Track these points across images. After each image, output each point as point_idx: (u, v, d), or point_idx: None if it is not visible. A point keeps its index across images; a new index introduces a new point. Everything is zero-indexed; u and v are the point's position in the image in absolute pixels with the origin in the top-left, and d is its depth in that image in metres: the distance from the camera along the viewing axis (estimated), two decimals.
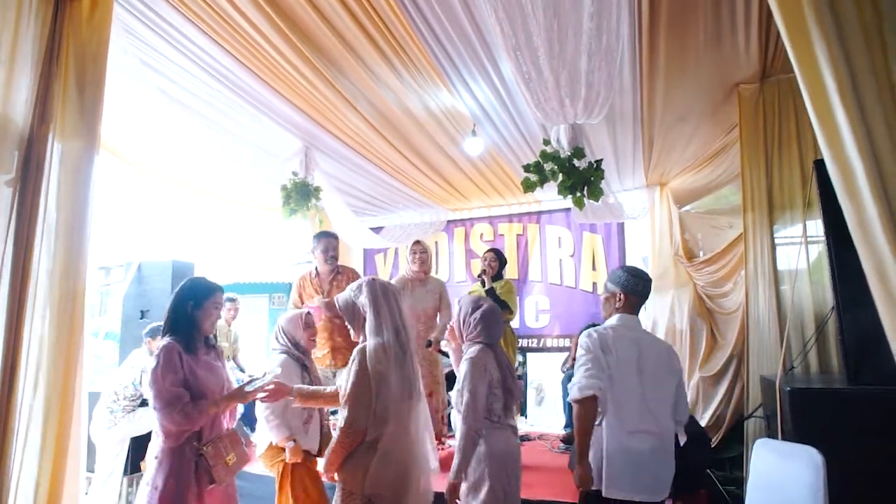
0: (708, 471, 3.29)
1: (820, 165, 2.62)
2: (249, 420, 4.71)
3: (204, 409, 2.06)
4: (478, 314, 2.36)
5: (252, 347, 5.62)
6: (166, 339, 2.14)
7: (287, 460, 2.58)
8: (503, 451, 2.21)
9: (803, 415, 2.40)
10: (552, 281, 5.75)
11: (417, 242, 3.86)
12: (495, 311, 2.44)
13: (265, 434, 2.66)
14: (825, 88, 1.14)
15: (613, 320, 2.25)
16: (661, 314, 4.74)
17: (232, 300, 5.13)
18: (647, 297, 2.35)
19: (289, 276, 6.02)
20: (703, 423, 3.81)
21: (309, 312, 2.89)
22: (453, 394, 2.34)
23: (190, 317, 2.18)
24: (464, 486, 2.23)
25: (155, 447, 2.09)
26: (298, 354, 2.77)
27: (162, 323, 2.26)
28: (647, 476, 2.11)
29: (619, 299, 2.26)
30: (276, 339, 2.79)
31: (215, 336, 2.38)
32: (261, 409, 2.61)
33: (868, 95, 1.11)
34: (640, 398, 2.14)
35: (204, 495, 2.10)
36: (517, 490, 2.27)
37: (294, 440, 2.59)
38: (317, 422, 2.77)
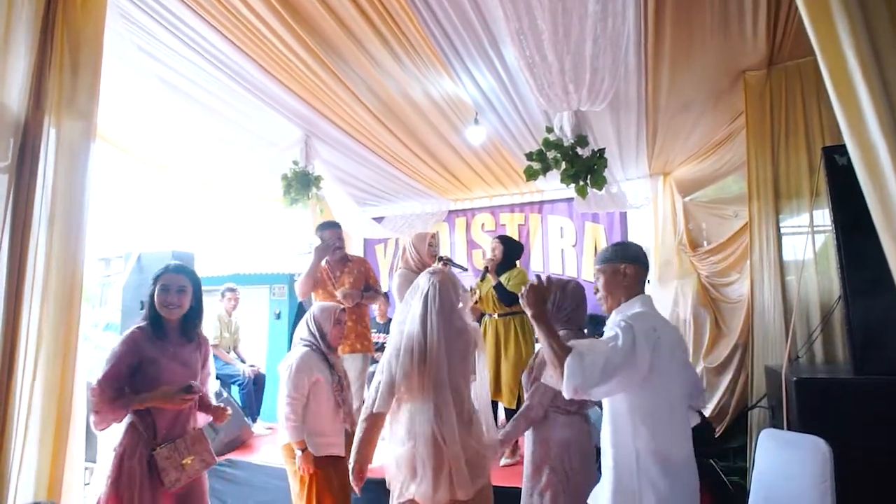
0: (711, 461, 3.27)
1: (828, 153, 2.57)
2: (251, 409, 4.71)
3: (125, 404, 2.02)
4: (566, 297, 2.34)
5: (253, 338, 5.61)
6: (132, 325, 2.15)
7: (297, 467, 2.49)
8: (567, 438, 2.20)
9: (810, 405, 2.37)
10: (554, 271, 5.72)
11: (434, 236, 3.81)
12: (582, 290, 2.41)
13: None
14: (847, 67, 1.10)
15: (637, 305, 1.71)
16: (664, 304, 4.71)
17: (232, 290, 5.11)
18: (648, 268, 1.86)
19: (290, 268, 5.99)
20: (706, 413, 3.79)
21: (343, 309, 2.80)
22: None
23: (151, 302, 2.17)
24: (528, 470, 2.27)
25: (115, 439, 2.08)
26: (324, 349, 2.65)
27: None
28: None
29: (626, 273, 1.74)
30: (305, 326, 2.69)
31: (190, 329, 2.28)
32: (281, 404, 2.51)
33: (893, 74, 1.07)
34: None
35: (158, 495, 2.04)
36: (583, 475, 2.22)
37: (304, 448, 2.46)
38: (341, 423, 2.65)
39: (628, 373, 1.54)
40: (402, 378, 2.01)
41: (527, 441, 2.32)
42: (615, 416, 1.67)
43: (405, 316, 2.13)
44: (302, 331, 2.70)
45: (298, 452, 2.47)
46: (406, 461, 1.98)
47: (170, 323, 2.17)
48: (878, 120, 1.06)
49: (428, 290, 2.09)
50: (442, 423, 1.95)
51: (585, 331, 4.59)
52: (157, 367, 2.09)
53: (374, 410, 2.03)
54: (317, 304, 2.81)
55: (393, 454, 2.04)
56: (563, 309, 2.33)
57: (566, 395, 1.54)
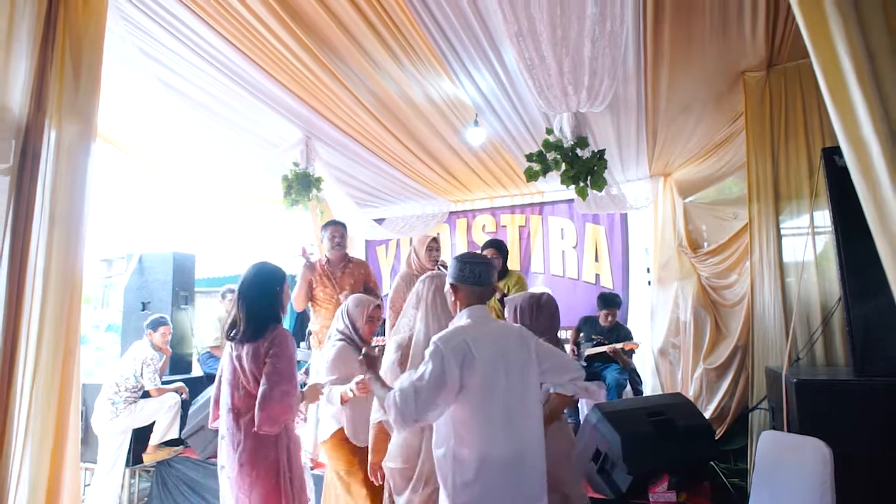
0: (712, 463, 3.27)
1: (828, 154, 2.57)
2: None
3: (300, 401, 2.19)
4: (542, 309, 2.38)
5: None
6: (277, 326, 2.17)
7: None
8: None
9: (810, 406, 2.37)
10: (554, 272, 5.72)
11: (435, 240, 3.79)
12: (554, 301, 2.46)
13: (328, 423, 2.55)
14: (841, 69, 1.10)
15: (463, 317, 1.82)
16: (663, 305, 4.71)
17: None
18: (485, 283, 1.88)
19: (290, 269, 6.00)
20: (707, 414, 3.79)
21: (378, 306, 2.77)
22: None
23: (280, 302, 2.26)
24: None
25: (264, 442, 2.09)
26: (358, 342, 2.62)
27: (240, 312, 2.19)
28: None
29: (454, 290, 1.87)
30: (340, 319, 2.67)
31: None
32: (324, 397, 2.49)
33: (887, 77, 1.07)
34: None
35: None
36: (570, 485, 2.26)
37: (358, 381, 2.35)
38: None
39: (446, 392, 1.63)
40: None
41: None
42: (437, 424, 1.75)
43: (403, 323, 2.11)
44: (337, 322, 2.68)
45: (350, 392, 2.35)
46: (400, 472, 1.97)
47: None
48: (871, 122, 1.06)
49: (428, 293, 2.06)
50: None
51: (583, 334, 4.61)
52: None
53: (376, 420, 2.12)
54: (352, 296, 2.76)
55: (390, 462, 2.04)
56: (539, 321, 2.33)
57: (397, 428, 1.67)
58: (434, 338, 1.71)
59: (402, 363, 2.09)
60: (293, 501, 2.14)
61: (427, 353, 1.68)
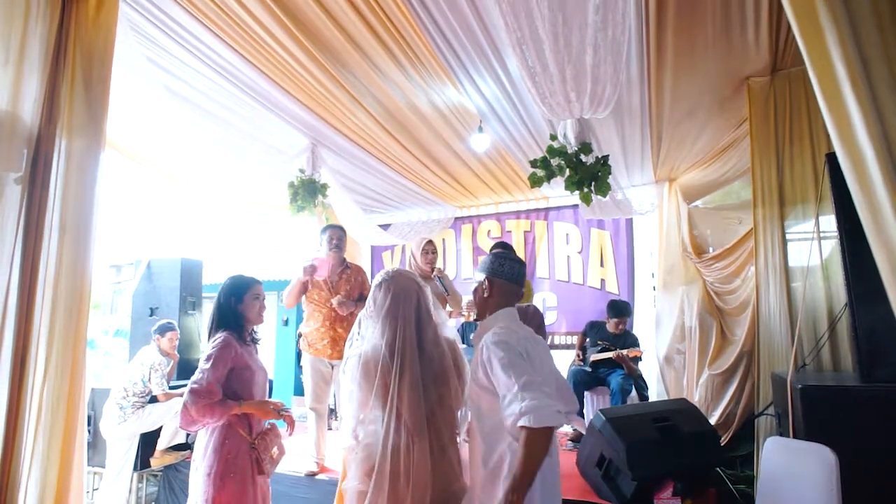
0: (718, 469, 3.25)
1: (832, 159, 2.57)
2: None
3: (228, 408, 2.15)
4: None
5: (260, 342, 5.65)
6: (221, 333, 2.25)
7: None
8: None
9: (816, 412, 2.36)
10: (560, 277, 5.72)
11: (430, 242, 3.80)
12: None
13: None
14: (836, 76, 1.11)
15: (500, 318, 1.79)
16: (669, 311, 4.69)
17: None
18: (520, 282, 1.87)
19: (297, 275, 6.04)
20: (712, 420, 3.77)
21: None
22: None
23: (235, 312, 2.31)
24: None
25: (210, 439, 2.16)
26: None
27: (212, 322, 2.34)
28: None
29: (493, 285, 1.81)
30: (357, 330, 2.61)
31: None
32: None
33: (881, 83, 1.08)
34: None
35: (259, 485, 2.21)
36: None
37: None
38: None
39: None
40: (359, 405, 1.87)
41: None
42: (489, 431, 1.67)
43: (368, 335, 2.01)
44: (357, 329, 2.66)
45: None
46: (360, 494, 1.83)
47: (247, 329, 2.36)
48: (866, 128, 1.07)
49: (388, 298, 1.93)
50: (408, 457, 1.75)
51: (589, 339, 4.59)
52: (251, 372, 2.28)
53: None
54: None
55: (350, 488, 1.89)
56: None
57: (554, 428, 1.50)
58: (492, 336, 1.66)
59: (368, 378, 1.89)
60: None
61: (498, 352, 1.59)
